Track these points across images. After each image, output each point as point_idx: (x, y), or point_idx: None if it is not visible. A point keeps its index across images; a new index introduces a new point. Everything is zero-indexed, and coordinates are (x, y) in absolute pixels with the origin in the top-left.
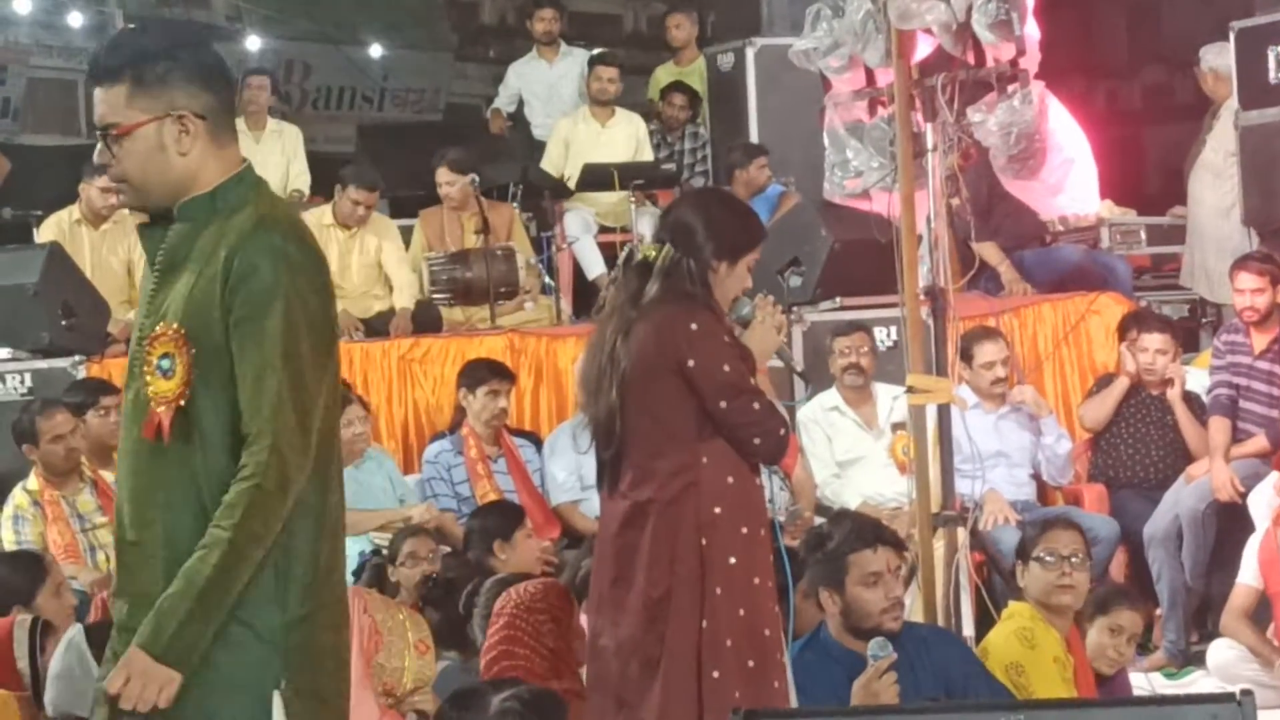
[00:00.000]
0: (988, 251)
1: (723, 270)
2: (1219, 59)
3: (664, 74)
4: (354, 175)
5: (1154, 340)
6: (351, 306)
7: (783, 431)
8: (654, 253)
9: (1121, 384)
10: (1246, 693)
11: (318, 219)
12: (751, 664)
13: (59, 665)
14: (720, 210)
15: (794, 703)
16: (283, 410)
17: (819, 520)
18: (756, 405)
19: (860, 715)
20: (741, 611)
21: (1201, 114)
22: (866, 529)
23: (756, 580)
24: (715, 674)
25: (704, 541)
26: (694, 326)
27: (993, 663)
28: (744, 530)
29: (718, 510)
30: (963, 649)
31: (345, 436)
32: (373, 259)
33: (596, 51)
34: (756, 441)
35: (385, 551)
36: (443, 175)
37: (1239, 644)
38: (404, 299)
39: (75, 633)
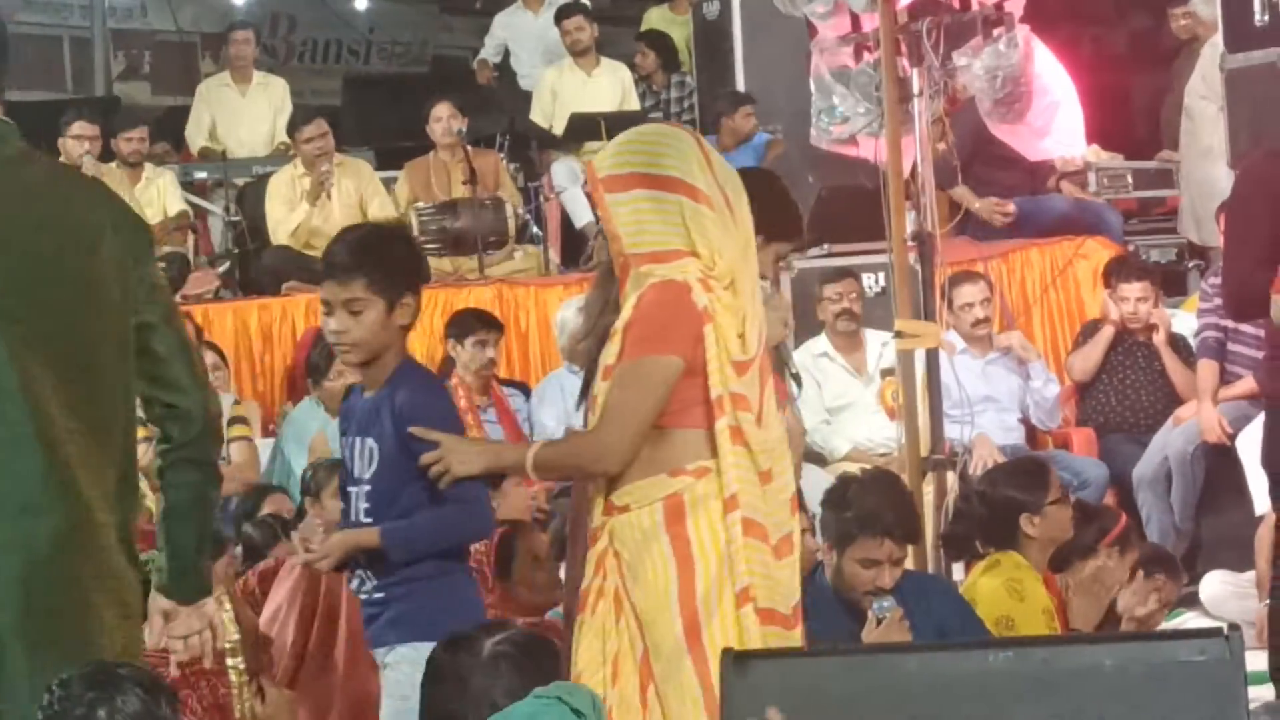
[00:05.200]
0: (962, 196)
1: (756, 243)
2: (1204, 6)
3: (656, 15)
4: (295, 123)
5: (1133, 289)
6: None
7: None
8: None
9: (1107, 332)
10: (1235, 628)
11: (290, 173)
12: None
13: None
14: (769, 192)
15: None
16: None
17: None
18: None
19: (846, 655)
20: None
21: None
22: (881, 515)
23: None
24: None
25: None
26: None
27: (981, 614)
28: None
29: None
30: (960, 602)
31: (336, 387)
32: (352, 199)
33: (560, 5)
34: None
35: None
36: (444, 110)
37: (1231, 580)
38: None
39: None
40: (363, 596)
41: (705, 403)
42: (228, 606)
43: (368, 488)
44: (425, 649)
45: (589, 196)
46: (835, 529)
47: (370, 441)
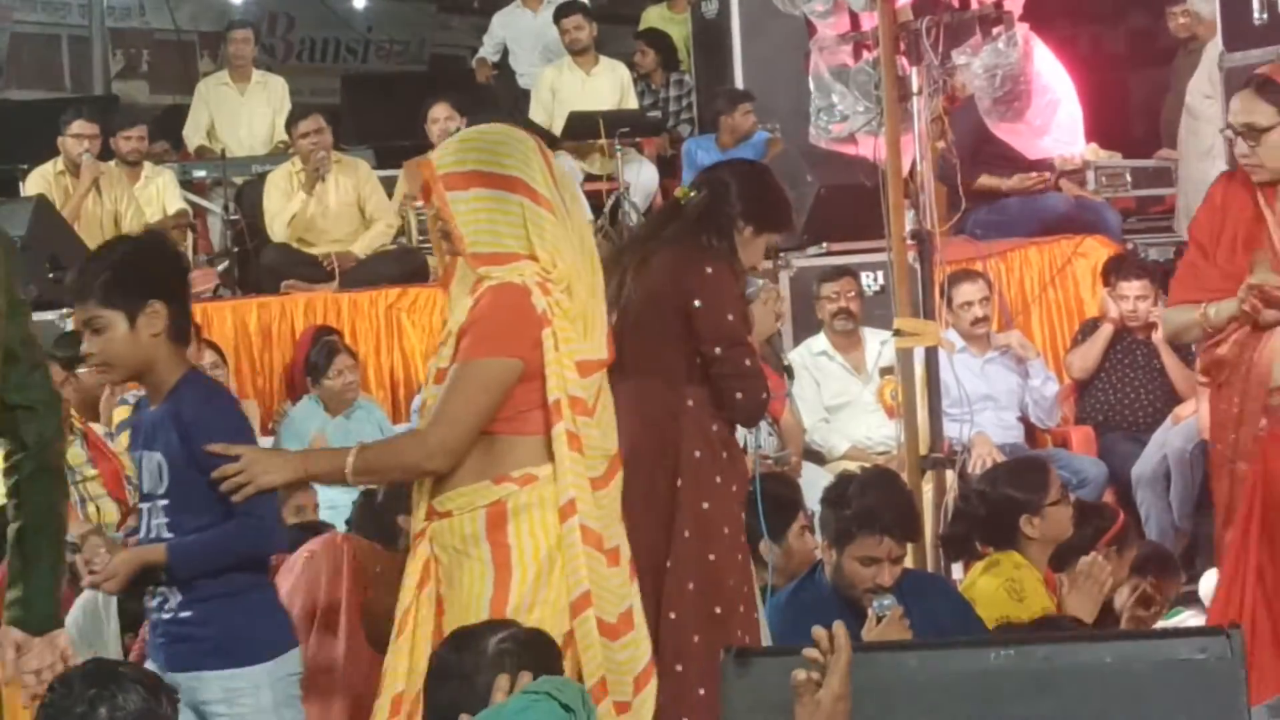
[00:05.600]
0: (990, 183)
1: (746, 234)
2: (1202, 3)
3: (655, 14)
4: (294, 118)
5: (1133, 287)
6: (338, 249)
7: (764, 396)
8: (687, 195)
9: (1106, 331)
10: (1235, 626)
11: (288, 169)
12: (717, 610)
13: (74, 615)
14: (759, 183)
15: None
16: None
17: (811, 467)
18: (748, 361)
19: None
20: (711, 557)
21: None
22: (880, 513)
23: (726, 530)
24: (673, 615)
25: (679, 483)
26: (709, 270)
27: (981, 615)
28: (718, 479)
29: (697, 454)
30: (959, 601)
31: (335, 386)
32: (350, 197)
33: (559, 3)
34: (738, 396)
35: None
36: (441, 111)
37: None
38: (360, 246)
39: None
40: (166, 615)
41: (542, 407)
42: None
43: (164, 502)
44: (251, 673)
45: (423, 194)
46: (834, 527)
47: (158, 456)
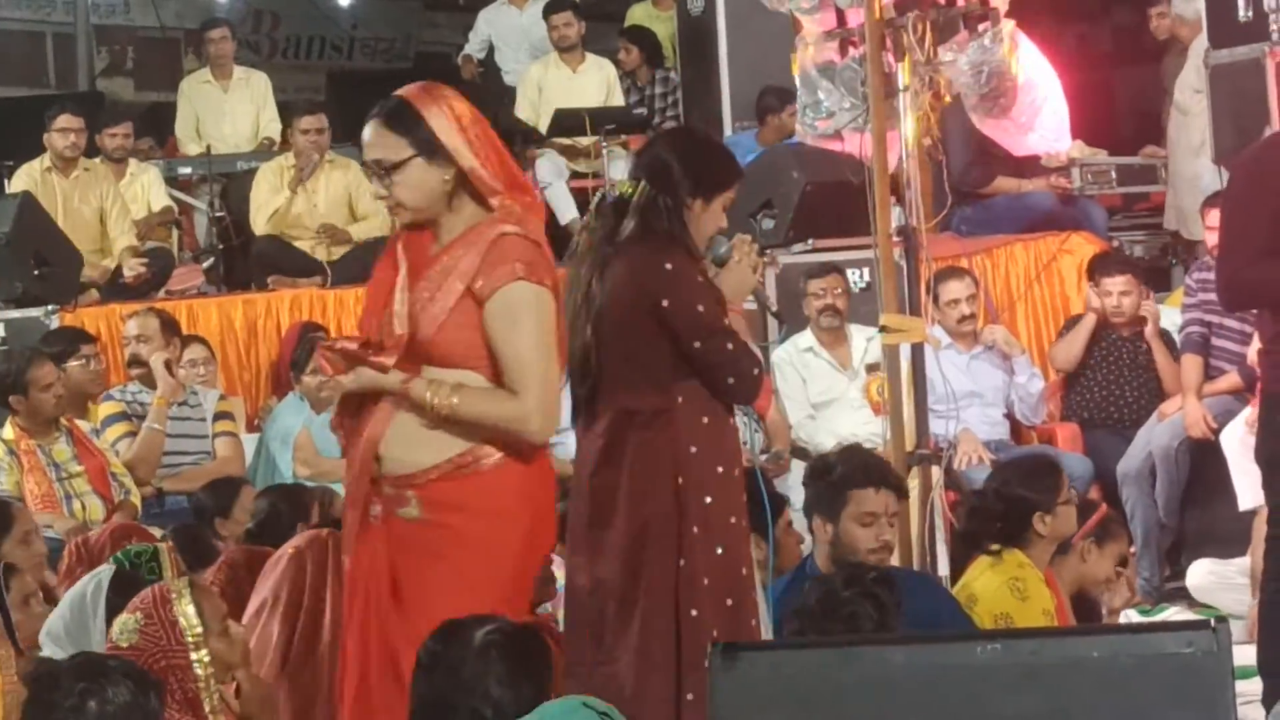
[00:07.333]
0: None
1: (698, 208)
2: (1185, 5)
3: (640, 11)
4: (298, 111)
5: (1116, 283)
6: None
7: (756, 372)
8: (630, 190)
9: (1089, 321)
10: (1221, 620)
11: (280, 163)
12: (729, 602)
13: (60, 611)
14: (696, 148)
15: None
16: None
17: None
18: (730, 345)
19: (836, 646)
20: (719, 550)
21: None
22: (872, 468)
23: (733, 519)
24: (694, 612)
25: (680, 480)
26: (669, 266)
27: (981, 610)
28: (719, 469)
29: (693, 449)
30: (947, 597)
31: (314, 383)
32: (341, 195)
33: (548, 0)
34: (730, 381)
35: None
36: None
37: (1218, 570)
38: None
39: (105, 574)
40: None
41: None
42: (189, 598)
43: None
44: None
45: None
46: (826, 496)
47: None
